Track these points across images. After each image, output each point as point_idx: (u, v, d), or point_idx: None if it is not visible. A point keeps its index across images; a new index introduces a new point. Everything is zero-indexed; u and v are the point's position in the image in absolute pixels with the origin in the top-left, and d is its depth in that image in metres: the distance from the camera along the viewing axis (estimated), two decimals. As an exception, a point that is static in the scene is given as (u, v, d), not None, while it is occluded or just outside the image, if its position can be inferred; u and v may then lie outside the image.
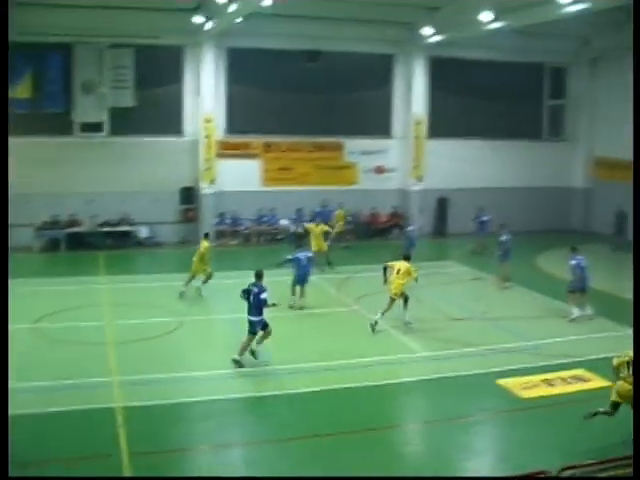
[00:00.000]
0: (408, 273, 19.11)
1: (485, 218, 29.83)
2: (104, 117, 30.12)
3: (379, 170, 33.94)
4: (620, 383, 12.19)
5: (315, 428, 12.98)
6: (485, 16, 26.27)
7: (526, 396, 14.73)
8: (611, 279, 25.02)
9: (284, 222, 31.75)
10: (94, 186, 29.85)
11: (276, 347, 16.71)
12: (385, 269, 19.63)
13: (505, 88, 35.14)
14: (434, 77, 34.09)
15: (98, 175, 29.95)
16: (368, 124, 33.82)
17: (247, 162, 31.70)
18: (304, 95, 32.41)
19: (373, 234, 32.78)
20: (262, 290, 16.03)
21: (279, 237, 31.40)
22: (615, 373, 12.43)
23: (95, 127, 30.04)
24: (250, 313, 16.10)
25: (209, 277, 22.29)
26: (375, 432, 12.97)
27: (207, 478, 11.17)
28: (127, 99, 30.05)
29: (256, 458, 11.97)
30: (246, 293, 16.20)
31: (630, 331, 19.22)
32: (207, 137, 31.12)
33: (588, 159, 36.51)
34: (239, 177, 31.54)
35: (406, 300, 19.24)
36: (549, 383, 15.45)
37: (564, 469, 8.42)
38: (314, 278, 22.62)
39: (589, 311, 20.60)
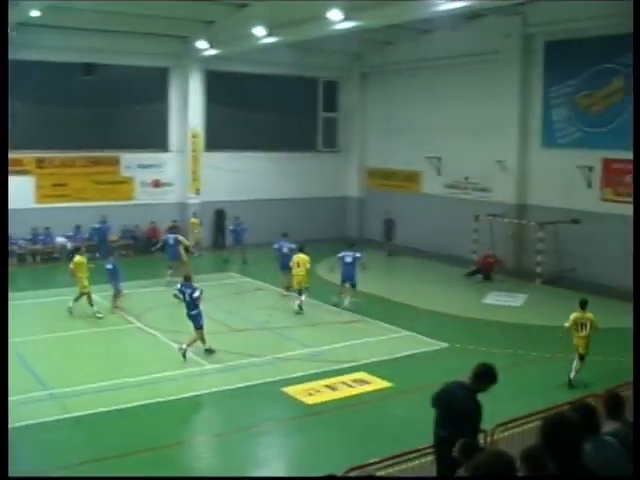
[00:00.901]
0: (305, 265, 22.70)
1: (239, 228, 30.63)
2: None
3: (157, 184, 33.58)
4: (576, 340, 16.08)
5: (101, 451, 12.58)
6: (258, 31, 26.69)
7: (311, 402, 15.09)
8: (384, 284, 26.10)
9: (61, 240, 30.62)
10: None
11: (58, 368, 16.15)
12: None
13: (282, 101, 35.90)
14: (211, 90, 34.21)
15: None
16: (145, 138, 33.38)
17: (19, 179, 30.30)
18: (79, 109, 31.44)
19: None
20: (194, 289, 18.16)
21: (56, 256, 30.26)
22: (570, 334, 16.21)
23: None
24: (189, 310, 18.11)
25: (82, 294, 21.52)
26: (164, 449, 12.80)
27: (207, 478, 10.66)
28: None
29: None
30: (181, 293, 18.29)
31: (406, 332, 20.37)
32: (-27, 154, 29.47)
33: (361, 169, 37.97)
34: (10, 195, 29.98)
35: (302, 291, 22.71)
36: (332, 388, 15.91)
37: (351, 470, 8.69)
38: (97, 297, 22.08)
39: (346, 303, 22.77)
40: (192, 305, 18.13)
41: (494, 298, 25.07)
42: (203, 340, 18.13)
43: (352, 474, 8.47)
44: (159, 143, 33.87)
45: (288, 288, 24.63)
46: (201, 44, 30.97)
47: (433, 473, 9.65)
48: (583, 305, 16.37)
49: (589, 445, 5.79)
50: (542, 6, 27.10)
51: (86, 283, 21.60)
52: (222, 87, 34.48)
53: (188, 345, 17.82)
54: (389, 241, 33.09)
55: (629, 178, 25.82)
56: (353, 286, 23.02)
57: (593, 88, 26.93)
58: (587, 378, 16.09)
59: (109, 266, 22.33)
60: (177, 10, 28.52)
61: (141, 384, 15.97)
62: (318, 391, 15.69)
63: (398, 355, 18.45)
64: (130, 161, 32.87)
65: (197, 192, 33.89)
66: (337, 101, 38.35)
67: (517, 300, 24.88)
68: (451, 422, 8.75)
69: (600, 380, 15.51)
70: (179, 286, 18.59)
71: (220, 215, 34.31)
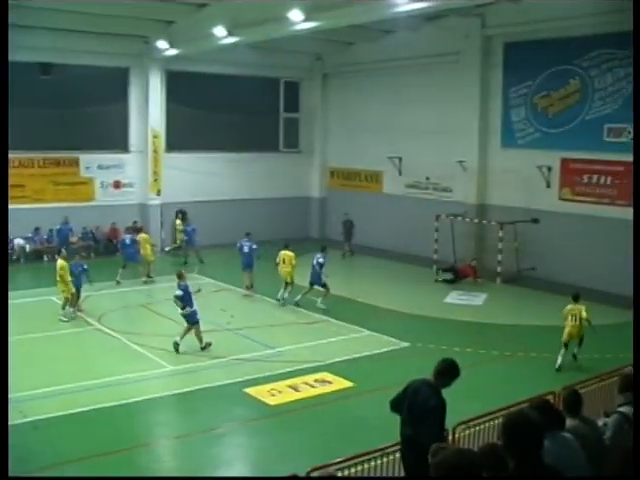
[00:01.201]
0: (290, 261, 23.40)
1: (189, 228, 30.79)
2: None
3: (117, 185, 33.31)
4: (567, 329, 17.47)
5: (60, 456, 12.40)
6: (219, 31, 26.59)
7: (273, 403, 15.08)
8: (346, 284, 26.13)
9: (19, 242, 30.29)
10: None
11: (19, 372, 15.93)
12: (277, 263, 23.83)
13: (243, 101, 35.75)
14: (171, 90, 34.03)
15: None
16: (105, 138, 33.06)
17: (-25, 180, 29.91)
18: (37, 109, 31.03)
19: (114, 250, 32.09)
20: (178, 287, 18.67)
21: (14, 257, 29.90)
22: (565, 320, 17.62)
23: None
24: (180, 308, 18.64)
25: (67, 300, 21.30)
26: (124, 452, 12.68)
27: (206, 478, 10.51)
28: None
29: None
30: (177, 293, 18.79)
31: (368, 332, 20.43)
32: None
33: (323, 170, 38.02)
34: (-34, 196, 29.60)
35: (288, 284, 23.57)
36: (295, 388, 15.92)
37: (313, 470, 8.69)
38: (55, 299, 21.86)
39: (321, 305, 22.68)
40: (181, 304, 18.68)
41: (455, 297, 25.24)
42: (183, 335, 18.50)
43: (314, 474, 8.47)
44: (119, 144, 33.59)
45: (249, 287, 24.71)
46: (161, 44, 30.76)
47: (395, 472, 9.68)
48: (576, 298, 17.90)
49: (547, 442, 5.83)
50: (501, 8, 27.32)
51: (70, 287, 21.42)
52: (183, 87, 34.33)
53: (182, 338, 18.39)
54: (348, 242, 33.09)
55: (587, 178, 26.18)
56: (323, 286, 23.10)
57: (551, 89, 27.22)
58: (541, 374, 16.30)
59: (74, 268, 22.08)
60: (137, 10, 28.29)
61: (101, 386, 15.83)
62: (280, 392, 15.68)
63: (360, 355, 18.49)
64: (90, 162, 32.57)
65: (158, 193, 33.66)
66: (299, 101, 38.35)
67: (478, 299, 25.06)
68: (417, 420, 8.79)
69: (556, 376, 15.71)
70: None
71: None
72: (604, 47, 25.29)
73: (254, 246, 25.21)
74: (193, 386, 16.12)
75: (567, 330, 17.56)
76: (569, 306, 17.76)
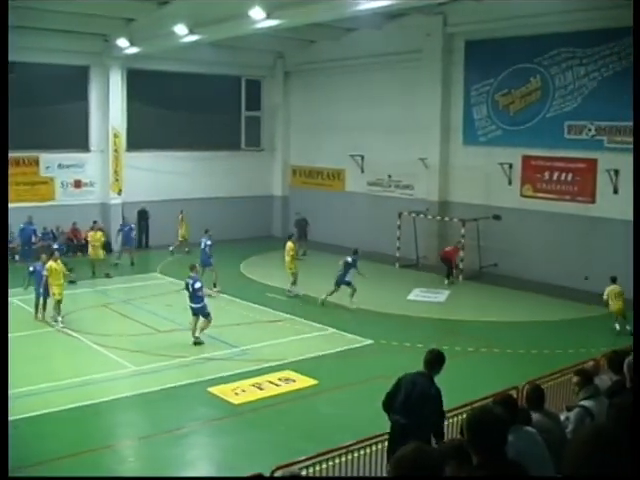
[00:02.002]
0: (288, 253, 24.32)
1: (126, 228, 30.62)
2: None
3: (78, 184, 32.99)
4: (615, 306, 19.94)
5: (22, 458, 12.09)
6: (180, 29, 26.44)
7: (237, 402, 15.04)
8: (308, 282, 26.08)
9: (-22, 242, 29.88)
10: None
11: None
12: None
13: (205, 100, 35.60)
14: (132, 89, 33.74)
15: None
16: (65, 137, 32.68)
17: None
18: (-5, 107, 30.64)
19: (75, 250, 31.78)
20: (195, 280, 19.07)
21: (-28, 258, 29.47)
22: (605, 302, 20.17)
23: None
24: (191, 301, 19.01)
25: (59, 302, 20.87)
26: (87, 454, 12.56)
27: (206, 478, 10.36)
28: None
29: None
30: (186, 285, 19.27)
31: (331, 330, 20.45)
32: None
33: (285, 168, 37.98)
34: None
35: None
36: (259, 387, 15.89)
37: (277, 469, 8.68)
38: (16, 301, 21.59)
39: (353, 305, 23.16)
40: (195, 297, 18.99)
41: (418, 294, 25.32)
42: (201, 329, 18.99)
43: (277, 473, 8.45)
44: (80, 143, 33.25)
45: (215, 285, 24.71)
46: (122, 42, 30.46)
47: (359, 471, 9.71)
48: (614, 280, 20.20)
49: (511, 436, 5.86)
50: (462, 6, 27.52)
51: (62, 290, 21.07)
52: (144, 86, 34.08)
53: (201, 332, 18.99)
54: (303, 241, 32.26)
55: (548, 174, 26.43)
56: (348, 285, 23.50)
57: (512, 87, 27.45)
58: (504, 370, 16.41)
59: (38, 268, 21.62)
60: (97, 7, 28.02)
61: (64, 388, 15.68)
62: (244, 390, 15.64)
63: (324, 353, 18.49)
64: (50, 161, 32.22)
65: (119, 192, 33.38)
66: (261, 100, 38.25)
67: (440, 296, 25.17)
68: (413, 410, 9.18)
69: (519, 371, 15.83)
70: (186, 279, 19.47)
71: (143, 216, 33.86)
72: (564, 46, 25.56)
73: (209, 242, 25.25)
74: (157, 386, 16.00)
75: (615, 307, 20.03)
76: (609, 287, 20.11)
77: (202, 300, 19.15)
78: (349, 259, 23.53)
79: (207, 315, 19.08)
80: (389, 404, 9.53)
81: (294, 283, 24.60)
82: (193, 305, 19.10)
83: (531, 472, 5.87)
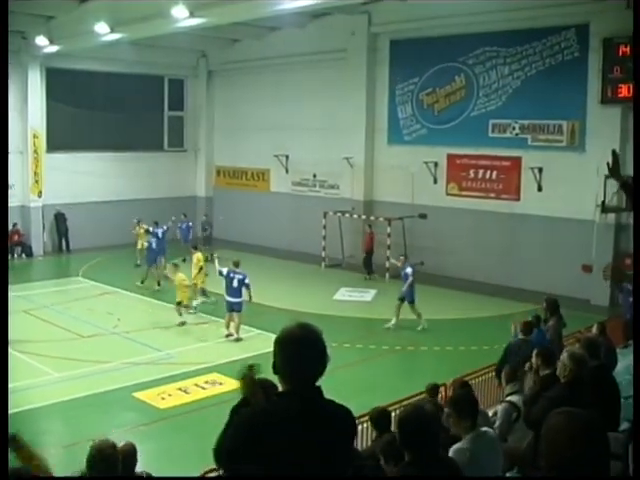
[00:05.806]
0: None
1: (184, 225, 31.08)
2: None
3: (-4, 187, 32.09)
4: None
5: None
6: (100, 27, 25.91)
7: (163, 406, 14.81)
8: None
9: None
10: None
11: None
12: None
13: (127, 100, 35.02)
14: (52, 89, 32.89)
15: None
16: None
17: None
18: None
19: (-7, 254, 30.94)
20: (245, 276, 19.25)
21: None
22: None
23: None
24: (231, 295, 19.23)
25: None
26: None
27: (206, 478, 9.90)
28: None
29: None
30: (228, 279, 19.24)
31: (257, 331, 20.29)
32: None
33: (209, 168, 37.68)
34: None
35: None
36: (185, 391, 15.70)
37: (205, 473, 8.53)
38: None
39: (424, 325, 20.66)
40: (238, 292, 19.21)
41: (345, 294, 25.30)
42: (235, 325, 19.47)
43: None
44: (-4, 143, 32.35)
45: (142, 281, 25.21)
46: (40, 40, 29.66)
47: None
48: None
49: (466, 441, 5.92)
50: (387, 5, 27.66)
51: None
52: (64, 85, 33.32)
53: (236, 331, 19.43)
54: (208, 245, 30.82)
55: (473, 173, 26.71)
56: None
57: (437, 86, 27.67)
58: (437, 367, 16.47)
59: None
60: (14, 4, 27.12)
61: (-18, 396, 15.15)
62: (170, 395, 15.42)
63: (250, 354, 18.25)
64: (-35, 163, 31.29)
65: (39, 195, 32.56)
66: (184, 100, 37.86)
67: (367, 295, 25.21)
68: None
69: (447, 368, 15.90)
70: (226, 270, 19.44)
71: (62, 218, 33.05)
72: (488, 45, 25.86)
73: (153, 238, 25.83)
74: (80, 393, 15.61)
75: None
76: None
77: (241, 295, 19.34)
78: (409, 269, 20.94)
79: (240, 310, 19.44)
80: None
81: (199, 296, 22.93)
82: (233, 299, 19.30)
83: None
